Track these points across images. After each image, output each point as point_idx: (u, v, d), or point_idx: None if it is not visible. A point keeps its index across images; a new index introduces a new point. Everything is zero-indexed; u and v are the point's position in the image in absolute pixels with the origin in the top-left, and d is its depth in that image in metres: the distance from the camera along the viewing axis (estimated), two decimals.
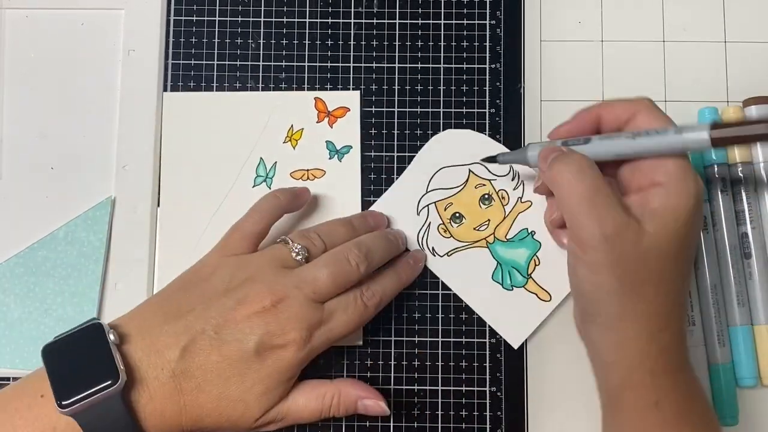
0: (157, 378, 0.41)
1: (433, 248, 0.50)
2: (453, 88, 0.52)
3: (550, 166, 0.43)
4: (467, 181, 0.51)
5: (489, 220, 0.51)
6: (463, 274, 0.50)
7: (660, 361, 0.42)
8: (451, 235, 0.51)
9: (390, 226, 0.51)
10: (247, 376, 0.42)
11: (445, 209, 0.51)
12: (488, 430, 0.49)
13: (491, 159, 0.49)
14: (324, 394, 0.45)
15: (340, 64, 0.53)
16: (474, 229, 0.51)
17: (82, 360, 0.40)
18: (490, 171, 0.51)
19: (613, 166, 0.45)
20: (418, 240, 0.50)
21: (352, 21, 0.53)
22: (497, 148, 0.51)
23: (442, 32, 0.53)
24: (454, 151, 0.52)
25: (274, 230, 0.48)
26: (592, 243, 0.41)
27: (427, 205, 0.51)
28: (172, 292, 0.45)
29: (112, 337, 0.41)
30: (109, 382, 0.39)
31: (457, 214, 0.51)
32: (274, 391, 0.43)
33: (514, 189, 0.51)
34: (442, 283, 0.50)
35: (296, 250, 0.45)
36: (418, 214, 0.51)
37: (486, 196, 0.51)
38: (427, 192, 0.51)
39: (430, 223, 0.51)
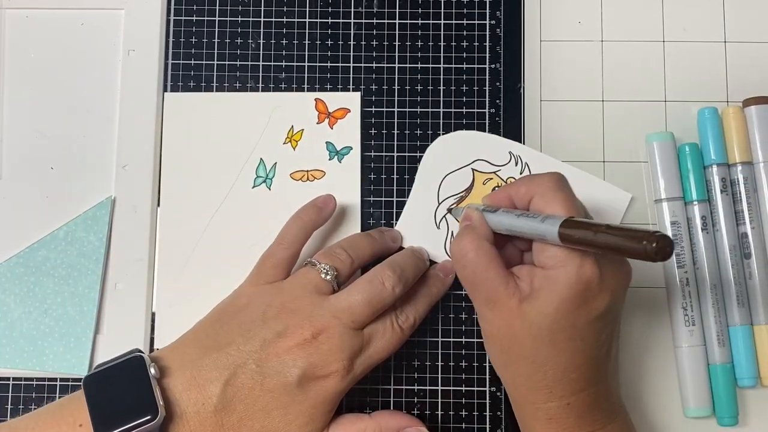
0: (198, 413, 0.41)
1: None
2: (453, 88, 0.52)
3: (452, 243, 0.44)
4: (473, 180, 0.51)
5: None
6: None
7: (551, 428, 0.42)
8: None
9: (411, 245, 0.50)
10: (290, 408, 0.43)
11: None
12: (488, 430, 0.50)
13: (449, 210, 0.51)
14: (364, 429, 0.45)
15: (340, 65, 0.53)
16: None
17: (122, 392, 0.41)
18: (491, 163, 0.51)
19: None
20: (446, 251, 0.50)
21: (352, 21, 0.53)
22: (490, 139, 0.51)
23: (442, 32, 0.53)
24: (452, 156, 0.52)
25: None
26: (480, 312, 0.44)
27: (444, 215, 0.51)
28: (209, 325, 0.45)
29: (153, 371, 0.41)
30: (148, 417, 0.40)
31: None
32: (317, 422, 0.43)
33: (521, 173, 0.51)
34: None
35: (325, 270, 0.45)
36: (438, 227, 0.51)
37: (496, 188, 0.51)
38: (439, 203, 0.51)
39: (452, 231, 0.51)
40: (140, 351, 0.43)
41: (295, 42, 0.53)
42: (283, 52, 0.53)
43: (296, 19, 0.53)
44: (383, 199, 0.52)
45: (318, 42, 0.53)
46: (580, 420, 0.42)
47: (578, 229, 0.38)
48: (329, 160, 0.52)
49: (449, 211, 0.51)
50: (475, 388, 0.50)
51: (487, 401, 0.50)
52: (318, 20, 0.53)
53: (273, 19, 0.53)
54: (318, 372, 0.43)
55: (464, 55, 0.53)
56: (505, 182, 0.51)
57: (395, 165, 0.52)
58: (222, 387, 0.42)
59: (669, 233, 0.49)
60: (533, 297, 0.41)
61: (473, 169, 0.51)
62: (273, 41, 0.53)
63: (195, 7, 0.53)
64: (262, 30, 0.53)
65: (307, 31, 0.53)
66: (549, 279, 0.41)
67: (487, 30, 0.53)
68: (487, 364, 0.50)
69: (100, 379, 0.42)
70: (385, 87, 0.53)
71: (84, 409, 0.40)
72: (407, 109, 0.52)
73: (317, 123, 0.52)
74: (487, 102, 0.52)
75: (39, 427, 0.41)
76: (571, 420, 0.42)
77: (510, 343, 0.42)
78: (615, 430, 0.43)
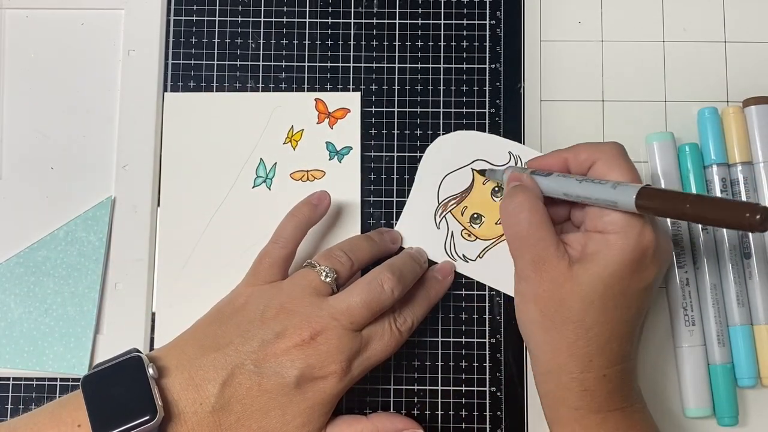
0: (195, 413, 0.41)
1: (463, 255, 0.50)
2: (453, 88, 0.52)
3: (502, 198, 0.45)
4: (473, 180, 0.51)
5: None
6: (501, 271, 0.50)
7: (584, 400, 0.42)
8: (476, 237, 0.51)
9: (410, 246, 0.51)
10: (288, 408, 0.43)
11: (462, 214, 0.51)
12: (488, 430, 0.50)
13: (481, 172, 0.51)
14: (361, 431, 0.45)
15: (340, 65, 0.53)
16: (495, 224, 0.50)
17: (120, 392, 0.41)
18: (491, 163, 0.51)
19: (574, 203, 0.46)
20: (446, 251, 0.50)
21: (352, 21, 0.53)
22: (490, 139, 0.51)
23: (442, 32, 0.53)
24: (451, 156, 0.52)
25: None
26: (523, 273, 0.44)
27: (444, 216, 0.51)
28: (207, 325, 0.45)
29: (151, 371, 0.41)
30: (147, 417, 0.40)
31: (475, 215, 0.51)
32: (314, 423, 0.43)
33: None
34: None
35: (325, 272, 0.45)
36: (438, 227, 0.51)
37: (496, 188, 0.51)
38: (439, 203, 0.51)
39: (452, 232, 0.51)
40: (138, 351, 0.43)
41: (295, 42, 0.53)
42: (283, 52, 0.53)
43: (296, 19, 0.53)
44: (383, 199, 0.52)
45: (318, 42, 0.53)
46: (611, 395, 0.42)
47: (663, 199, 0.39)
48: (329, 160, 0.52)
49: (481, 173, 0.50)
50: (475, 388, 0.50)
51: (487, 401, 0.50)
52: (318, 20, 0.53)
53: (273, 19, 0.53)
54: (316, 373, 0.43)
55: (464, 55, 0.53)
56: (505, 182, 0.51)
57: (395, 165, 0.52)
58: (220, 387, 0.42)
59: (669, 233, 0.49)
60: (587, 260, 0.42)
61: (473, 169, 0.51)
62: (273, 41, 0.53)
63: (195, 7, 0.53)
64: (262, 30, 0.53)
65: (307, 31, 0.53)
66: (608, 243, 0.41)
67: (487, 30, 0.53)
68: (487, 364, 0.50)
69: (98, 379, 0.42)
70: (385, 87, 0.53)
71: (82, 409, 0.40)
72: (407, 109, 0.52)
73: (317, 123, 0.52)
74: (487, 102, 0.52)
75: (38, 427, 0.41)
76: (604, 393, 0.42)
77: (557, 306, 0.42)
78: (639, 410, 0.44)
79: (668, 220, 0.49)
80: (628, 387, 0.44)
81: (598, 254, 0.42)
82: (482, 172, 0.50)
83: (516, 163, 0.51)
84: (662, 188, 0.41)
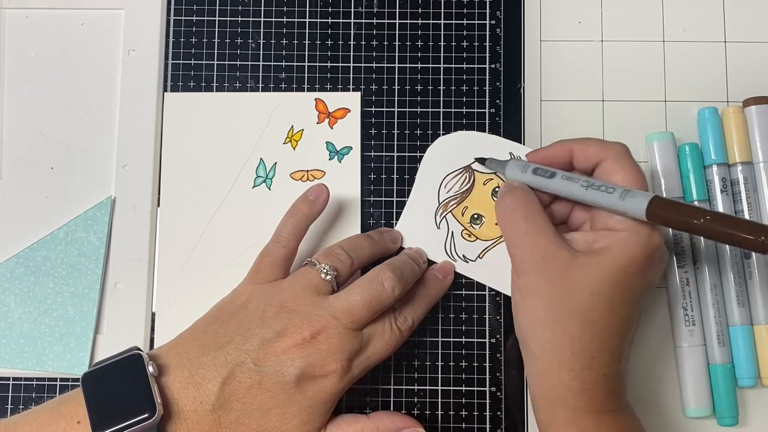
0: (195, 411, 0.42)
1: (464, 255, 0.50)
2: (453, 88, 0.52)
3: (498, 197, 0.45)
4: (473, 180, 0.51)
5: None
6: (501, 271, 0.50)
7: (583, 399, 0.42)
8: (476, 237, 0.51)
9: (410, 246, 0.50)
10: (288, 407, 0.43)
11: (463, 214, 0.51)
12: (488, 430, 0.50)
13: (482, 160, 0.50)
14: (361, 430, 0.45)
15: (340, 65, 0.53)
16: (496, 224, 0.50)
17: (120, 390, 0.41)
18: None
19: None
20: (446, 252, 0.50)
21: (352, 21, 0.53)
22: (490, 139, 0.51)
23: (442, 32, 0.53)
24: (451, 156, 0.51)
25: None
26: (524, 268, 0.43)
27: (444, 216, 0.51)
28: (208, 323, 0.45)
29: (151, 369, 0.41)
30: (146, 414, 0.40)
31: (475, 215, 0.51)
32: (314, 421, 0.43)
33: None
34: None
35: (325, 270, 0.45)
36: (438, 227, 0.51)
37: (497, 188, 0.51)
38: (439, 204, 0.51)
39: (453, 232, 0.51)
40: (138, 349, 0.43)
41: (295, 42, 0.53)
42: (283, 52, 0.53)
43: (296, 19, 0.53)
44: (383, 199, 0.52)
45: (318, 42, 0.53)
46: (607, 396, 0.42)
47: (675, 211, 0.39)
48: (329, 160, 0.52)
49: (479, 160, 0.50)
50: (475, 388, 0.50)
51: (487, 401, 0.50)
52: (318, 20, 0.53)
53: (273, 19, 0.53)
54: (316, 372, 0.43)
55: (464, 55, 0.53)
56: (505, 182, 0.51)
57: (395, 165, 0.52)
58: (220, 386, 0.42)
59: (670, 233, 0.49)
60: (596, 253, 0.42)
61: (473, 169, 0.51)
62: (273, 41, 0.53)
63: (195, 7, 0.53)
64: (262, 30, 0.53)
65: (307, 31, 0.53)
66: (619, 239, 0.42)
67: (487, 30, 0.53)
68: (487, 364, 0.50)
69: (98, 376, 0.42)
70: (385, 87, 0.53)
71: (82, 406, 0.40)
72: (407, 109, 0.52)
73: (317, 123, 0.52)
74: (487, 102, 0.52)
75: (37, 424, 0.41)
76: (603, 393, 0.42)
77: (562, 297, 0.42)
78: (630, 413, 0.44)
79: None
80: (622, 388, 0.44)
81: (609, 248, 0.42)
82: (482, 161, 0.50)
83: None
84: (672, 200, 0.41)
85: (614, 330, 0.42)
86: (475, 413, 0.50)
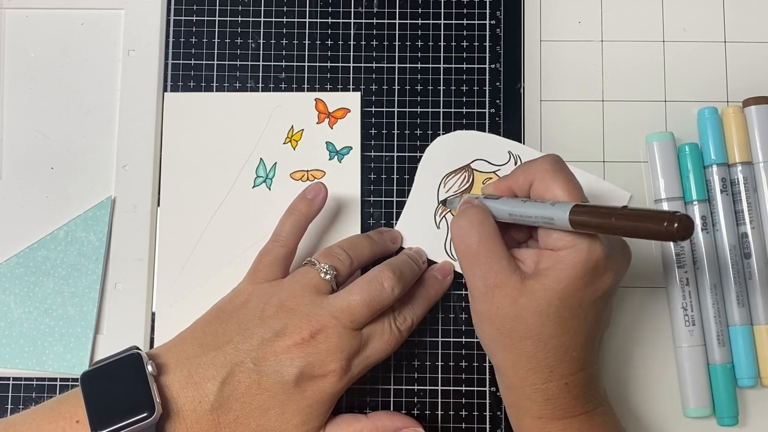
0: (194, 411, 0.42)
1: None
2: (453, 88, 0.52)
3: (453, 219, 0.45)
4: (472, 179, 0.51)
5: None
6: None
7: (547, 408, 0.43)
8: None
9: (410, 246, 0.50)
10: (287, 407, 0.43)
11: None
12: (488, 430, 0.50)
13: (443, 202, 0.51)
14: (360, 430, 0.45)
15: (340, 65, 0.53)
16: None
17: (119, 390, 0.41)
18: (490, 163, 0.51)
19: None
20: (446, 251, 0.50)
21: (352, 21, 0.53)
22: (489, 139, 0.51)
23: (442, 32, 0.53)
24: (450, 156, 0.52)
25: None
26: (476, 293, 0.43)
27: (444, 216, 0.51)
28: (208, 322, 0.45)
29: (150, 368, 0.41)
30: (145, 414, 0.40)
31: None
32: (313, 421, 0.43)
33: None
34: None
35: (324, 270, 0.45)
36: (438, 227, 0.51)
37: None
38: (439, 203, 0.51)
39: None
40: (138, 348, 0.43)
41: (295, 42, 0.53)
42: (283, 52, 0.53)
43: (296, 19, 0.53)
44: (383, 199, 0.52)
45: (318, 42, 0.53)
46: (575, 401, 0.43)
47: (592, 215, 0.39)
48: (329, 160, 0.52)
49: (443, 203, 0.51)
50: (475, 388, 0.50)
51: (487, 401, 0.50)
52: (318, 20, 0.53)
53: (273, 19, 0.53)
54: (315, 371, 0.43)
55: (464, 55, 0.53)
56: None
57: (395, 165, 0.52)
58: (219, 385, 0.42)
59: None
60: (541, 275, 0.42)
61: (472, 168, 0.51)
62: (273, 41, 0.53)
63: (195, 7, 0.53)
64: (262, 30, 0.53)
65: (307, 31, 0.53)
66: (559, 259, 0.41)
67: (487, 30, 0.53)
68: (487, 364, 0.50)
69: (97, 375, 0.42)
70: (385, 87, 0.53)
71: (81, 405, 0.40)
72: (407, 109, 0.52)
73: (317, 123, 0.52)
74: (487, 102, 0.52)
75: (36, 423, 0.41)
76: (567, 400, 0.42)
77: (513, 322, 0.42)
78: (604, 413, 0.44)
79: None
80: (591, 391, 0.43)
81: (550, 269, 0.41)
82: (443, 202, 0.51)
83: (516, 163, 0.51)
84: (590, 205, 0.40)
85: (570, 344, 0.42)
86: (475, 413, 0.50)
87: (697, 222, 0.49)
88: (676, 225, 0.35)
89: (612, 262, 0.42)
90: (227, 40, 0.53)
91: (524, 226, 0.45)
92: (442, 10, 0.53)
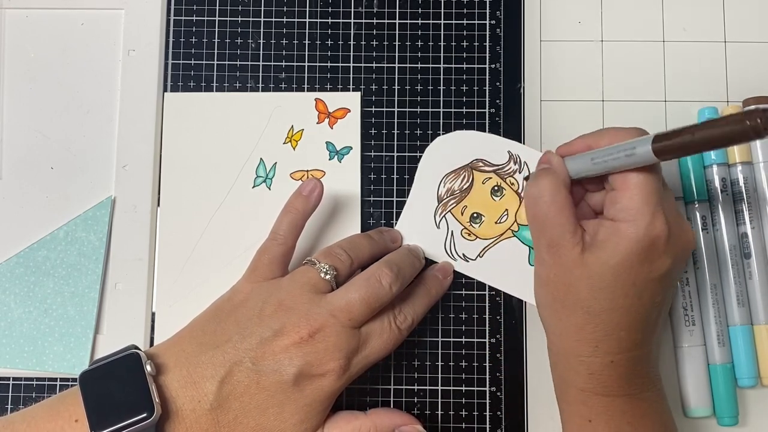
0: (194, 410, 0.41)
1: (463, 254, 0.50)
2: (453, 88, 0.52)
3: (528, 183, 0.45)
4: (472, 179, 0.51)
5: (507, 210, 0.51)
6: (501, 269, 0.50)
7: (590, 383, 0.43)
8: (476, 236, 0.51)
9: (408, 244, 0.50)
10: (286, 406, 0.43)
11: (462, 213, 0.51)
12: (488, 430, 0.50)
13: (527, 178, 0.50)
14: (359, 428, 0.45)
15: (340, 65, 0.53)
16: (495, 223, 0.51)
17: (118, 389, 0.41)
18: (490, 163, 0.51)
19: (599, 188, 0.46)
20: (446, 251, 0.50)
21: (352, 21, 0.53)
22: (489, 139, 0.51)
23: (442, 32, 0.53)
24: (450, 155, 0.52)
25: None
26: (540, 256, 0.44)
27: (444, 215, 0.51)
28: (206, 321, 0.45)
29: (149, 368, 0.41)
30: (144, 414, 0.40)
31: (475, 214, 0.51)
32: (312, 420, 0.43)
33: (520, 172, 0.51)
34: None
35: (324, 270, 0.45)
36: (438, 226, 0.51)
37: (496, 187, 0.51)
38: (439, 203, 0.51)
39: (452, 231, 0.51)
40: (137, 347, 0.43)
41: (295, 42, 0.53)
42: (283, 52, 0.53)
43: (296, 19, 0.53)
44: (383, 199, 0.52)
45: (318, 42, 0.53)
46: (620, 380, 0.43)
47: (673, 136, 0.39)
48: (329, 159, 0.52)
49: (526, 179, 0.50)
50: (475, 388, 0.50)
51: (487, 401, 0.50)
52: (318, 20, 0.53)
53: (273, 19, 0.53)
54: (314, 371, 0.43)
55: (464, 55, 0.53)
56: (504, 181, 0.51)
57: (395, 165, 0.52)
58: (218, 385, 0.42)
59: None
60: (597, 247, 0.42)
61: (472, 168, 0.51)
62: (273, 41, 0.53)
63: (195, 7, 0.53)
64: (262, 30, 0.53)
65: (307, 31, 0.53)
66: (617, 231, 0.41)
67: (487, 30, 0.53)
68: (487, 364, 0.50)
69: (96, 375, 0.41)
70: (385, 87, 0.53)
71: (80, 405, 0.40)
72: (407, 109, 0.52)
73: (317, 123, 0.52)
74: (487, 102, 0.52)
75: (35, 422, 0.41)
76: (612, 378, 0.42)
77: (566, 291, 0.42)
78: (651, 399, 0.44)
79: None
80: (639, 374, 0.43)
81: (607, 242, 0.42)
82: (527, 179, 0.49)
83: (515, 163, 0.51)
84: (671, 130, 0.40)
85: (619, 321, 0.42)
86: (475, 413, 0.50)
87: (698, 222, 0.49)
88: (759, 120, 0.34)
89: (671, 245, 0.42)
90: (227, 40, 0.53)
91: (599, 179, 0.44)
92: (442, 10, 0.53)
